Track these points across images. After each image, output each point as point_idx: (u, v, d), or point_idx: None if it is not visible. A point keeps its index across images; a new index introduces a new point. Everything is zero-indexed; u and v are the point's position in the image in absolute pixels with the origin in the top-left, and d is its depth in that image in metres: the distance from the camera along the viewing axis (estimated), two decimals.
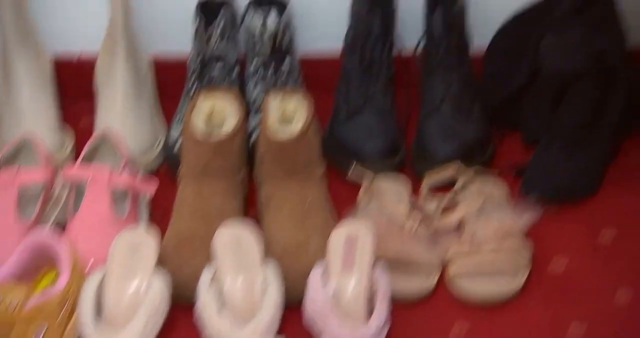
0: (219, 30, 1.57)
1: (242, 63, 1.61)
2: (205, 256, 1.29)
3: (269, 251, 1.30)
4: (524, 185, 1.46)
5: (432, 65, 1.55)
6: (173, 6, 1.64)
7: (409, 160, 1.54)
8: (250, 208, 1.44)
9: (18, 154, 1.45)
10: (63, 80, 1.64)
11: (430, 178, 1.47)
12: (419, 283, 1.32)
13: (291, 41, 1.60)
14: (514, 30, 1.58)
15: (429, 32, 1.57)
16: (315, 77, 1.63)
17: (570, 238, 1.39)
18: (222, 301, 1.24)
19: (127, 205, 1.40)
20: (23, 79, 1.57)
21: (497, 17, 1.59)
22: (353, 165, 1.50)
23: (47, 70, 1.61)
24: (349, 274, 1.23)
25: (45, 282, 1.28)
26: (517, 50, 1.55)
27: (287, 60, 1.59)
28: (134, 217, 1.39)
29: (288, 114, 1.48)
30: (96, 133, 1.47)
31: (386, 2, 1.60)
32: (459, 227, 1.38)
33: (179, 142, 1.48)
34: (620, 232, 1.39)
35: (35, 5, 1.62)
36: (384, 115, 1.56)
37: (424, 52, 1.57)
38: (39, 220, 1.38)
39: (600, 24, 1.47)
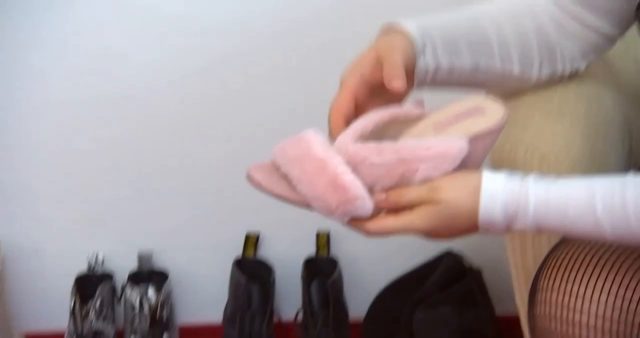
0: (96, 306, 1.54)
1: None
2: None
3: None
4: None
5: (311, 336, 1.55)
6: (48, 282, 1.61)
7: None
8: None
9: None
10: None
11: None
12: None
13: (171, 313, 1.58)
14: (389, 299, 1.60)
15: (306, 303, 1.57)
16: None
17: None
18: None
19: None
20: None
21: (373, 286, 1.61)
22: None
23: None
24: None
25: None
26: (393, 319, 1.56)
27: (166, 335, 1.56)
28: None
29: None
30: None
31: (264, 274, 1.61)
32: None
33: None
34: None
35: None
36: None
37: (303, 323, 1.57)
38: None
39: (469, 297, 1.50)
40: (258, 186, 0.89)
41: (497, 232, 0.89)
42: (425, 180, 0.87)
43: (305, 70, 1.48)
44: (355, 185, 0.87)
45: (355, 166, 0.86)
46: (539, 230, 0.87)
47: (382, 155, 0.86)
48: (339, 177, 0.87)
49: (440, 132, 0.89)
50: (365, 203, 0.88)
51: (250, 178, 0.89)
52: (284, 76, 1.50)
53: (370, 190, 0.88)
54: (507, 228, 0.88)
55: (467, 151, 0.87)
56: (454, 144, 0.86)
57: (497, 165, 1.03)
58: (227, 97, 1.54)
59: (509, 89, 1.07)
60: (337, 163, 0.88)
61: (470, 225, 0.88)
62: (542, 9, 1.04)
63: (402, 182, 0.87)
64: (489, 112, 0.89)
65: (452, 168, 0.87)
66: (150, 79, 1.52)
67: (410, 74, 0.96)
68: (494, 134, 0.89)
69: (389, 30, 0.98)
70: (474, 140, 0.88)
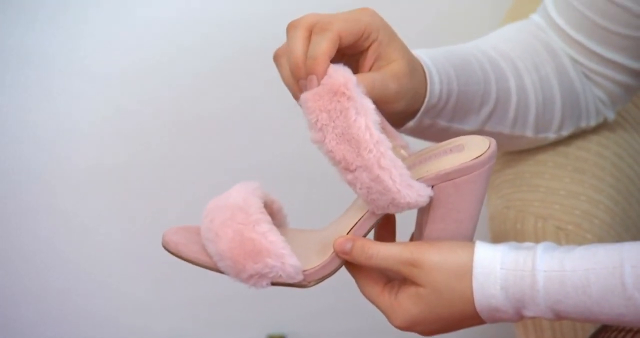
0: None
1: None
2: None
3: None
4: None
5: None
6: None
7: None
8: None
9: None
10: None
11: None
12: None
13: None
14: None
15: None
16: None
17: None
18: None
19: None
20: None
21: None
22: None
23: None
24: None
25: None
26: None
27: None
28: None
29: None
30: None
31: None
32: None
33: None
34: None
35: None
36: None
37: None
38: None
39: None
40: (167, 247, 0.84)
41: (508, 320, 0.80)
42: (351, 186, 0.79)
43: None
44: (268, 239, 0.79)
45: (333, 93, 0.78)
46: (558, 317, 0.78)
47: (360, 117, 0.77)
48: (248, 227, 0.79)
49: (410, 169, 0.81)
50: (284, 263, 0.79)
51: (163, 241, 0.84)
52: None
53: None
54: (518, 315, 0.79)
55: (422, 204, 0.79)
56: (410, 192, 0.78)
57: (499, 239, 0.96)
58: None
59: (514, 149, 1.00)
60: (256, 212, 0.80)
61: (468, 315, 0.79)
62: (561, 48, 0.98)
63: (333, 162, 0.78)
64: (469, 147, 0.81)
65: (385, 209, 0.79)
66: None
67: (404, 113, 0.87)
68: (469, 173, 0.80)
69: None
70: (440, 180, 0.80)
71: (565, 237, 0.95)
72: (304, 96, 0.78)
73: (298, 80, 0.78)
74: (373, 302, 0.83)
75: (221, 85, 1.48)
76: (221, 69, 1.47)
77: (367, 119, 0.77)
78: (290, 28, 0.80)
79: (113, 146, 1.49)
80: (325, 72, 0.78)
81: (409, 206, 0.79)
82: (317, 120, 0.78)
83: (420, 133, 0.90)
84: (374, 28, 0.81)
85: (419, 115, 0.85)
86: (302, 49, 0.78)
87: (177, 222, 1.39)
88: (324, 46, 0.78)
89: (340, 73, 0.78)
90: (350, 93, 0.77)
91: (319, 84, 0.78)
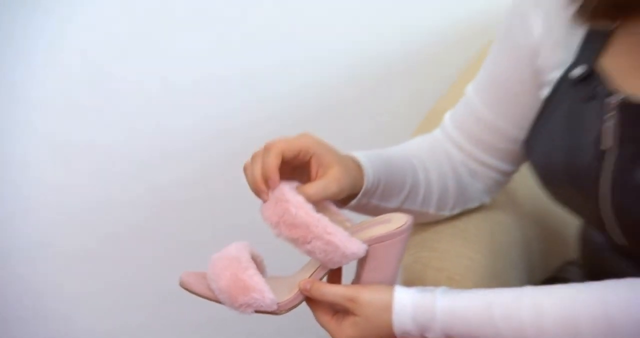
0: None
1: None
2: None
3: None
4: None
5: None
6: None
7: None
8: None
9: None
10: None
11: None
12: None
13: None
14: None
15: None
16: None
17: None
18: None
19: None
20: None
21: None
22: None
23: None
24: None
25: None
26: None
27: None
28: None
29: None
30: None
31: None
32: None
33: None
34: None
35: None
36: None
37: None
38: None
39: None
40: (182, 285, 0.94)
41: None
42: (310, 254, 0.90)
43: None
44: (254, 280, 0.91)
45: (276, 202, 0.89)
46: None
47: (298, 210, 0.89)
48: (240, 271, 0.91)
49: (352, 235, 0.93)
50: (264, 297, 0.91)
51: (180, 280, 0.95)
52: None
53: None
54: (422, 337, 0.91)
55: (362, 254, 0.90)
56: (352, 245, 0.90)
57: (409, 284, 1.01)
58: None
59: (422, 221, 1.10)
60: (246, 261, 0.92)
61: (388, 336, 0.92)
62: (455, 153, 1.08)
63: (292, 242, 0.90)
64: (394, 220, 0.93)
65: (339, 262, 0.91)
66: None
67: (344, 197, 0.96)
68: (393, 238, 0.93)
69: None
70: (373, 242, 0.92)
71: (455, 283, 1.02)
72: (261, 210, 0.89)
73: (260, 194, 0.89)
74: (324, 327, 0.94)
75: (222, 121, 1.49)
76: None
77: (304, 209, 0.88)
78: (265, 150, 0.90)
79: (118, 180, 1.48)
80: (275, 182, 0.87)
81: (354, 255, 0.89)
82: (271, 222, 0.89)
83: (359, 209, 1.01)
84: (310, 145, 0.90)
85: (358, 197, 0.96)
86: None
87: (179, 242, 1.43)
88: (271, 161, 0.88)
89: (279, 186, 0.89)
90: (285, 197, 0.87)
91: (268, 191, 0.88)
